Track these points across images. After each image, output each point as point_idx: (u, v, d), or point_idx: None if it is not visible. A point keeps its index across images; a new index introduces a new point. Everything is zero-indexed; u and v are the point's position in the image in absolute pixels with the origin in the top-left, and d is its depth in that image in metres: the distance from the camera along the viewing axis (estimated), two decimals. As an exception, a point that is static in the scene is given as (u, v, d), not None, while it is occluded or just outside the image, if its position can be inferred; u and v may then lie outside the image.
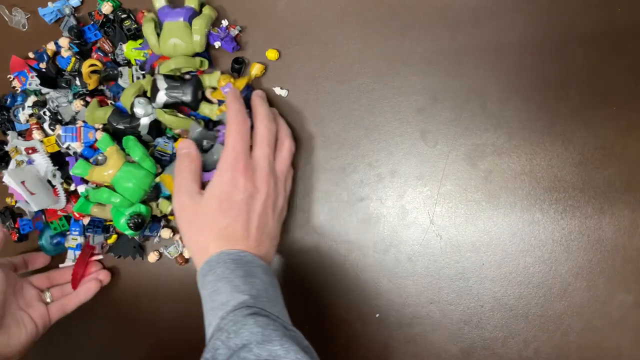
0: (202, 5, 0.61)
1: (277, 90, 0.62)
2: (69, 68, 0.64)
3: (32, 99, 0.65)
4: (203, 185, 0.55)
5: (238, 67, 0.61)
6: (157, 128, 0.61)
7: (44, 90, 0.65)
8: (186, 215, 0.51)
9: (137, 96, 0.59)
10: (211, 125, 0.61)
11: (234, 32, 0.61)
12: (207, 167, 0.57)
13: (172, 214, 0.61)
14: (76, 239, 0.64)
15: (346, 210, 0.61)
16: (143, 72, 0.61)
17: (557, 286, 0.57)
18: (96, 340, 0.69)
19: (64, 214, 0.65)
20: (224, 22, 0.61)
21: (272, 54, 0.62)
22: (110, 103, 0.63)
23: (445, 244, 0.59)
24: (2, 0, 0.69)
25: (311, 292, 0.62)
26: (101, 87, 0.64)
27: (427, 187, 0.59)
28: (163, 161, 0.61)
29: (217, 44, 0.60)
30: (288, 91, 0.62)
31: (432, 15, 0.59)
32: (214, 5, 0.62)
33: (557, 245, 0.57)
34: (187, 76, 0.61)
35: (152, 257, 0.64)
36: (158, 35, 0.59)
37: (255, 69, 0.61)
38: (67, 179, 0.64)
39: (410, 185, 0.60)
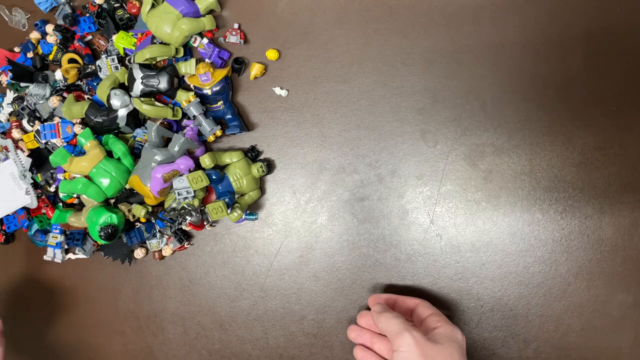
0: (210, 12, 0.62)
1: (277, 90, 0.62)
2: (50, 56, 0.64)
3: (11, 95, 0.66)
4: (165, 178, 0.57)
5: (238, 67, 0.62)
6: (135, 119, 0.61)
7: (23, 84, 0.65)
8: (424, 349, 0.49)
9: (113, 88, 0.59)
10: (176, 126, 0.62)
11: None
12: (167, 159, 0.57)
13: (146, 218, 0.63)
14: (57, 237, 0.65)
15: (346, 210, 0.61)
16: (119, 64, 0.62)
17: (557, 286, 0.57)
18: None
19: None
20: (204, 40, 0.61)
21: (272, 54, 0.62)
22: (87, 98, 0.64)
23: (445, 244, 0.59)
24: (2, 1, 0.69)
25: (311, 291, 0.62)
26: (78, 82, 0.64)
27: (427, 187, 0.59)
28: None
29: (207, 61, 0.61)
30: (288, 91, 0.62)
31: (432, 15, 0.59)
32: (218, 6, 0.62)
33: (557, 245, 0.57)
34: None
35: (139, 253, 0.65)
36: (153, 6, 0.60)
37: (255, 69, 0.61)
38: (47, 183, 0.65)
39: (410, 185, 0.60)
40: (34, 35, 0.66)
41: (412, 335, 0.47)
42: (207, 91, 0.60)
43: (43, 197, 0.65)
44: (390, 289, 0.60)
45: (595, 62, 0.56)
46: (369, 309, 0.59)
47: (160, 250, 0.65)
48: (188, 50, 0.63)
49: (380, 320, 0.51)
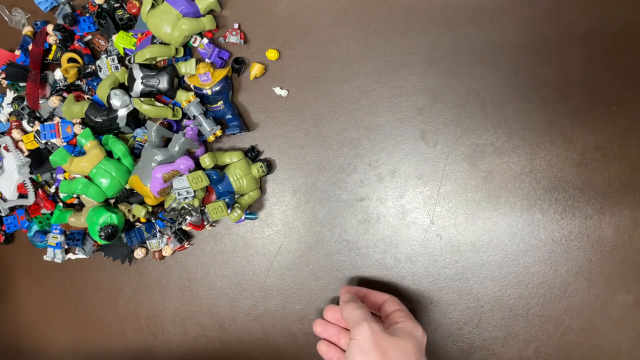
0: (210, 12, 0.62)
1: (277, 90, 0.62)
2: (50, 56, 0.64)
3: (11, 95, 0.66)
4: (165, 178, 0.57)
5: (238, 67, 0.62)
6: (135, 119, 0.61)
7: (22, 83, 0.65)
8: (379, 340, 0.49)
9: (113, 88, 0.59)
10: (176, 126, 0.62)
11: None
12: (167, 159, 0.57)
13: (146, 218, 0.63)
14: (57, 237, 0.65)
15: (346, 210, 0.61)
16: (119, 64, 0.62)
17: (557, 286, 0.57)
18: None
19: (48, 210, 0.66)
20: (204, 40, 0.61)
21: (272, 54, 0.62)
22: (87, 98, 0.64)
23: (445, 244, 0.59)
24: (2, 1, 0.69)
25: (311, 291, 0.62)
26: (78, 82, 0.64)
27: (427, 187, 0.59)
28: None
29: (207, 61, 0.61)
30: (288, 91, 0.62)
31: (432, 15, 0.59)
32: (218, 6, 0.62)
33: (557, 245, 0.57)
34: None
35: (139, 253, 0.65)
36: (153, 6, 0.60)
37: (255, 69, 0.61)
38: (47, 183, 0.65)
39: (410, 185, 0.60)
40: (28, 29, 0.66)
41: (369, 326, 0.48)
42: (207, 91, 0.60)
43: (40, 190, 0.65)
44: (390, 289, 0.60)
45: (595, 62, 0.56)
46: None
47: (160, 250, 0.65)
48: (188, 50, 0.63)
49: (344, 309, 0.51)
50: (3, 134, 0.66)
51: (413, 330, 0.50)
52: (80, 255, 0.67)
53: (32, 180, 0.65)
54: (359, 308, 0.50)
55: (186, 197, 0.57)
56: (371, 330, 0.48)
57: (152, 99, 0.60)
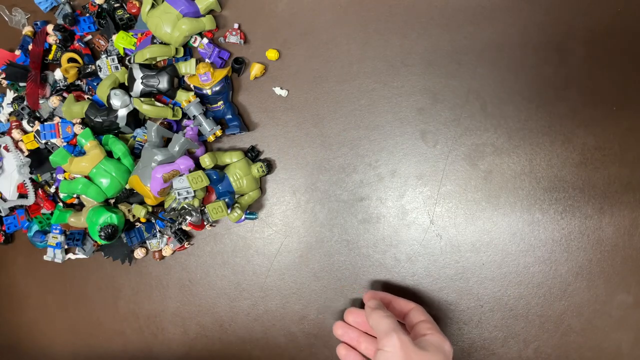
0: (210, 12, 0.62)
1: (277, 90, 0.62)
2: (50, 56, 0.64)
3: (11, 95, 0.66)
4: (166, 178, 0.57)
5: (238, 67, 0.62)
6: (135, 119, 0.61)
7: (22, 83, 0.65)
8: (408, 352, 0.48)
9: (113, 88, 0.59)
10: (176, 126, 0.62)
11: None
12: (167, 159, 0.57)
13: (146, 218, 0.63)
14: (57, 237, 0.65)
15: (346, 210, 0.61)
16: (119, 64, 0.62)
17: (557, 286, 0.57)
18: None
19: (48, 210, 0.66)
20: (204, 40, 0.61)
21: (272, 54, 0.62)
22: (87, 98, 0.64)
23: (445, 244, 0.59)
24: (2, 1, 0.69)
25: (311, 291, 0.62)
26: (78, 82, 0.64)
27: (427, 187, 0.59)
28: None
29: (207, 61, 0.61)
30: (288, 91, 0.62)
31: (432, 15, 0.59)
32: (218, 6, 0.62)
33: (557, 245, 0.57)
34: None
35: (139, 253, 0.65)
36: (153, 6, 0.60)
37: (255, 69, 0.61)
38: (47, 183, 0.66)
39: (410, 185, 0.60)
40: (28, 29, 0.66)
41: (398, 337, 0.47)
42: (207, 91, 0.60)
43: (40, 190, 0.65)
44: (390, 289, 0.60)
45: (595, 62, 0.56)
46: (361, 306, 0.59)
47: (160, 250, 0.65)
48: (188, 50, 0.63)
49: (372, 316, 0.50)
50: (3, 134, 0.66)
51: (441, 344, 0.49)
52: (80, 255, 0.67)
53: (32, 180, 0.65)
54: (387, 317, 0.50)
55: (186, 197, 0.57)
56: (400, 341, 0.47)
57: (152, 99, 0.60)
